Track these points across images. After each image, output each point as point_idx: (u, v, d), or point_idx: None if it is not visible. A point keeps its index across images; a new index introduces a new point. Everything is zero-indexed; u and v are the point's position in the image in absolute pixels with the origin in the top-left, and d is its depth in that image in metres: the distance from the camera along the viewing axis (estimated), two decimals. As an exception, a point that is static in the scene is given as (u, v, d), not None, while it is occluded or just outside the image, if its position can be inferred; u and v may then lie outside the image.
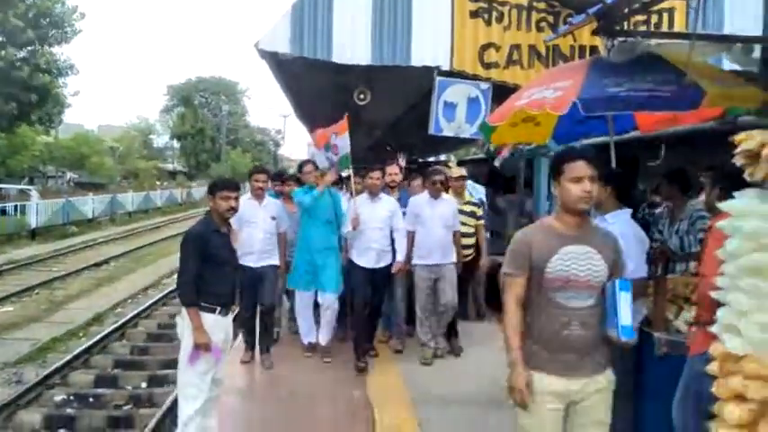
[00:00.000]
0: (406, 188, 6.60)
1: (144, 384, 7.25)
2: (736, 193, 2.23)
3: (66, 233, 20.91)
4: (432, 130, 6.52)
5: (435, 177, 5.69)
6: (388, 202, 5.76)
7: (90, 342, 8.33)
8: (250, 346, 5.96)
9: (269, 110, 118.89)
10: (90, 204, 24.35)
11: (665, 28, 6.39)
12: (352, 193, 6.09)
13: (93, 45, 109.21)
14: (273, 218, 5.76)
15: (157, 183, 45.28)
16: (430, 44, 6.36)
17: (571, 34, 6.08)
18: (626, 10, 3.49)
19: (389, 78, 6.90)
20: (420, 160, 15.22)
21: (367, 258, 5.63)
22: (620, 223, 3.28)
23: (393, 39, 6.35)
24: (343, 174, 6.70)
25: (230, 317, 3.96)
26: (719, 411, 2.28)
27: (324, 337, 5.91)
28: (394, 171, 6.29)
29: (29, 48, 22.31)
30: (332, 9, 6.25)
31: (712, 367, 2.30)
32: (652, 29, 6.37)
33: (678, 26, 6.44)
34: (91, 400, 6.70)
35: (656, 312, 3.11)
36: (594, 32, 3.58)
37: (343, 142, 5.87)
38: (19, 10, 21.10)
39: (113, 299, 11.61)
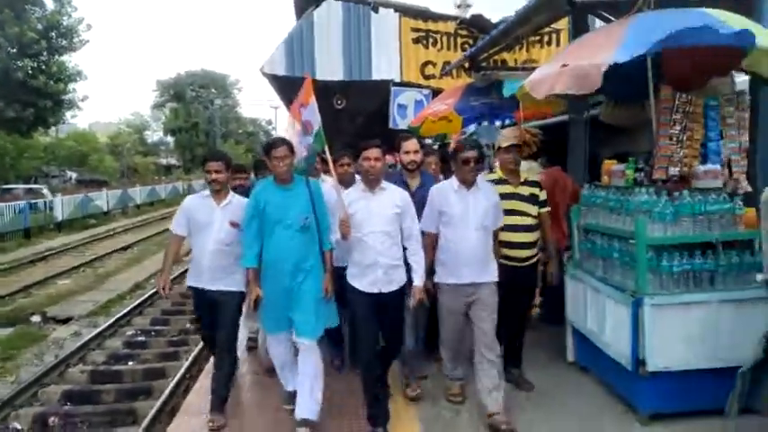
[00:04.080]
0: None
1: (188, 324, 9.76)
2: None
3: (87, 225, 23.42)
4: (390, 125, 9.04)
5: (467, 154, 3.90)
6: (393, 193, 3.90)
7: (140, 300, 10.87)
8: (216, 402, 4.15)
9: (259, 101, 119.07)
10: (104, 199, 26.83)
11: (553, 45, 8.90)
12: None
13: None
14: (235, 224, 4.09)
15: (155, 177, 47.57)
16: (385, 63, 8.93)
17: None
18: (485, 55, 6.00)
19: (359, 88, 9.41)
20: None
21: (370, 279, 3.80)
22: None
23: (359, 60, 8.90)
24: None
25: None
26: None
27: (303, 410, 3.83)
28: (413, 147, 4.47)
29: (41, 58, 24.59)
30: (313, 41, 8.78)
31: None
32: (544, 46, 8.91)
33: (563, 42, 8.94)
34: (152, 333, 9.25)
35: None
36: (467, 70, 6.09)
37: (312, 114, 4.09)
38: (32, 24, 23.36)
39: (146, 273, 14.10)
